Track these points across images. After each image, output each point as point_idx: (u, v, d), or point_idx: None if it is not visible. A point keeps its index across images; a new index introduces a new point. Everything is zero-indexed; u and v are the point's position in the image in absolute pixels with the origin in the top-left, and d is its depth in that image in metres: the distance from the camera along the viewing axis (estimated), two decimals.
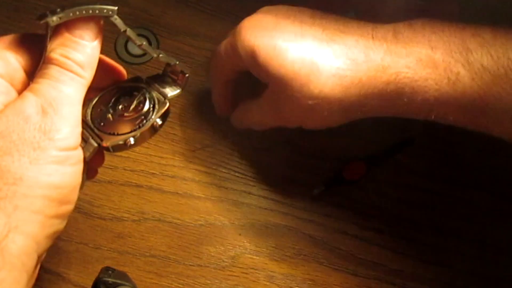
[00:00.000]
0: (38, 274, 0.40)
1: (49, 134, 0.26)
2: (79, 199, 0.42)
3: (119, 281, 0.38)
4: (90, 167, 0.33)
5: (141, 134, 0.31)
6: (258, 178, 0.46)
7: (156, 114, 0.31)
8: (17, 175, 0.24)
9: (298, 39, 0.35)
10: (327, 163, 0.46)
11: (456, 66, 0.32)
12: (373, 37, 0.35)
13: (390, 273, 0.43)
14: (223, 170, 0.46)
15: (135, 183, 0.44)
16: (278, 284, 0.42)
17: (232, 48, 0.38)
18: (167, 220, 0.43)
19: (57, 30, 0.27)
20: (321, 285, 0.42)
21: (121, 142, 0.30)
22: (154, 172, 0.45)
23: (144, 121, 0.31)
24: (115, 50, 0.49)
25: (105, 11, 0.28)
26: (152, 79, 0.34)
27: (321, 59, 0.35)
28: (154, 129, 0.31)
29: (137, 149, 0.45)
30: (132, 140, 0.30)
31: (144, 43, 0.32)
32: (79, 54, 0.27)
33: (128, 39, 0.31)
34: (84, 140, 0.29)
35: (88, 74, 0.28)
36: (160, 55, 0.32)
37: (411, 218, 0.45)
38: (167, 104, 0.32)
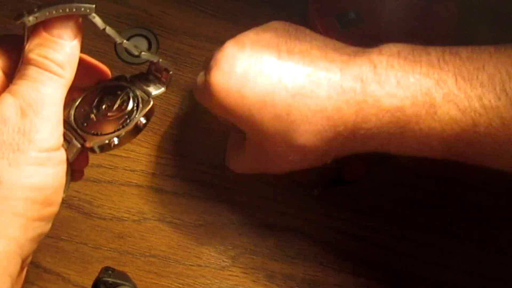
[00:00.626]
0: (38, 274, 0.40)
1: (28, 135, 0.25)
2: (79, 199, 0.43)
3: (119, 281, 0.38)
4: (75, 169, 0.33)
5: (125, 133, 0.30)
6: (258, 178, 0.46)
7: (140, 113, 0.31)
8: None
9: (277, 86, 0.34)
10: (327, 163, 0.46)
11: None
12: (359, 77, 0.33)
13: (390, 273, 0.43)
14: (223, 170, 0.46)
15: (135, 183, 0.44)
16: (278, 284, 0.42)
17: (205, 101, 0.37)
18: (167, 220, 0.43)
19: (35, 29, 0.27)
20: (321, 285, 0.42)
21: (106, 142, 0.30)
22: (154, 172, 0.45)
23: (128, 121, 0.31)
24: (115, 50, 0.49)
25: (82, 9, 0.27)
26: (136, 78, 0.33)
27: (302, 110, 0.33)
28: (138, 128, 0.31)
29: (137, 149, 0.45)
30: (116, 140, 0.30)
31: (125, 41, 0.31)
32: (58, 53, 0.27)
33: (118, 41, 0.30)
34: (67, 141, 0.29)
35: (68, 74, 0.27)
36: (142, 53, 0.32)
37: (411, 218, 0.45)
38: (151, 103, 0.31)
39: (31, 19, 0.26)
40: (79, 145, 0.29)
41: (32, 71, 0.26)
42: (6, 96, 0.26)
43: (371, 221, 0.45)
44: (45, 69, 0.27)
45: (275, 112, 0.33)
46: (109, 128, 0.30)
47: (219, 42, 0.51)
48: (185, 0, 0.53)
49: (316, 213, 0.45)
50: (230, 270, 0.42)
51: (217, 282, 0.42)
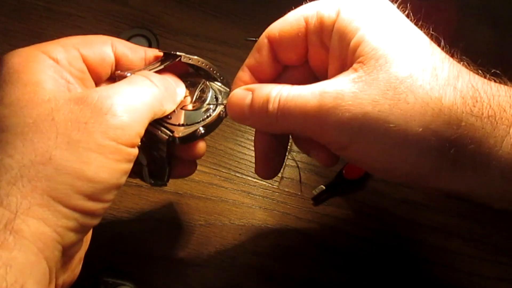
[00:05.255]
0: None
1: (103, 116, 0.24)
2: None
3: (119, 281, 0.38)
4: (186, 159, 0.34)
5: (210, 123, 0.31)
6: (258, 178, 0.46)
7: (220, 103, 0.32)
8: (47, 154, 0.22)
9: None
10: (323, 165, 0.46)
11: None
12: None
13: (390, 273, 0.43)
14: (223, 170, 0.46)
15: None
16: (278, 284, 0.42)
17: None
18: (167, 220, 0.43)
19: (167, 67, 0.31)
20: (321, 285, 0.42)
21: (193, 131, 0.31)
22: None
23: (211, 111, 0.32)
24: None
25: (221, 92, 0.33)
26: (201, 72, 0.34)
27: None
28: (220, 118, 0.32)
29: None
30: (202, 130, 0.31)
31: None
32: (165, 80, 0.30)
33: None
34: (154, 136, 0.30)
35: (162, 89, 0.29)
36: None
37: (411, 218, 0.45)
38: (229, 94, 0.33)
39: (184, 60, 0.31)
40: (166, 137, 0.30)
41: (135, 76, 0.28)
42: (93, 88, 0.27)
43: (371, 221, 0.45)
44: (146, 77, 0.28)
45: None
46: (194, 118, 0.31)
47: (219, 42, 0.52)
48: (185, 0, 0.53)
49: (316, 213, 0.45)
50: (230, 270, 0.42)
51: (217, 282, 0.42)
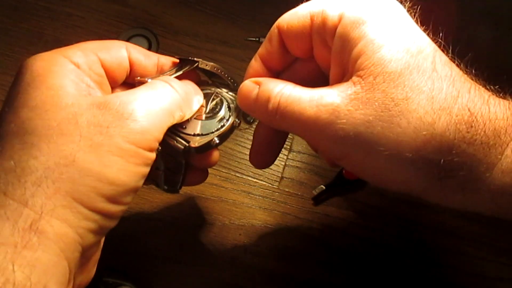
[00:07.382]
0: None
1: (124, 120, 0.24)
2: None
3: (119, 281, 0.39)
4: (199, 167, 0.34)
5: (224, 132, 0.32)
6: (258, 178, 0.46)
7: (233, 113, 0.33)
8: (71, 156, 0.23)
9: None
10: (327, 163, 0.46)
11: None
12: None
13: (390, 273, 0.43)
14: (223, 170, 0.46)
15: None
16: (277, 284, 0.42)
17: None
18: (167, 220, 0.43)
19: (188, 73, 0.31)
20: (321, 285, 0.42)
21: (208, 141, 0.31)
22: None
23: (225, 121, 0.32)
24: None
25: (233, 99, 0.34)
26: (215, 79, 0.35)
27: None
28: (233, 128, 0.33)
29: None
30: (217, 139, 0.31)
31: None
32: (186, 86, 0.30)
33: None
34: (169, 143, 0.30)
35: (182, 93, 0.29)
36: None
37: (411, 218, 0.45)
38: None
39: (201, 66, 0.31)
40: (182, 147, 0.30)
41: (155, 82, 0.28)
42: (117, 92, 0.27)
43: (371, 221, 0.45)
44: (166, 82, 0.29)
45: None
46: (208, 128, 0.32)
47: (219, 42, 0.52)
48: (185, 0, 0.53)
49: (316, 213, 0.45)
50: (230, 270, 0.42)
51: (217, 282, 0.42)
